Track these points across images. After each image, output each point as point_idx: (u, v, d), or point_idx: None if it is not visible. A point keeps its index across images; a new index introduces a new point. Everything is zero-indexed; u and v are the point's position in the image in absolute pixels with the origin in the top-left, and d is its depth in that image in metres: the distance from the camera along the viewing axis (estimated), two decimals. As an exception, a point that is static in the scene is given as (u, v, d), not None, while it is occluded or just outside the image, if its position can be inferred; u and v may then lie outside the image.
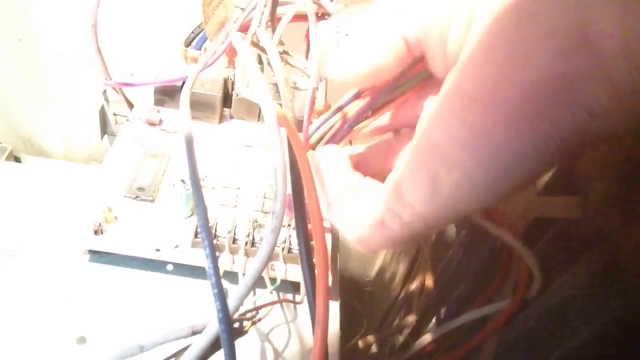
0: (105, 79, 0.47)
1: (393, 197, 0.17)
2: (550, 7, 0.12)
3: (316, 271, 0.19)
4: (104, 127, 0.65)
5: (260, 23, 0.27)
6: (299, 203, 0.20)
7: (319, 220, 0.18)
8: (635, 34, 0.11)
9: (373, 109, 0.22)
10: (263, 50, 0.25)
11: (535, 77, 0.13)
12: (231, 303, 0.17)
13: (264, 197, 0.42)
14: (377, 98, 0.21)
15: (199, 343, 0.16)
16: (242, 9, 0.29)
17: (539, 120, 0.13)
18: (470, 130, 0.15)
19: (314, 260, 0.20)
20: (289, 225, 0.39)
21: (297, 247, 0.37)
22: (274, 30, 0.29)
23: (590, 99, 0.12)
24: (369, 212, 0.18)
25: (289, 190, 0.19)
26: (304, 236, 0.20)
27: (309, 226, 0.20)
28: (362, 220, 0.19)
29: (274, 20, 0.29)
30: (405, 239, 0.18)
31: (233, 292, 0.17)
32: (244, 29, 0.27)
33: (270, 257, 0.17)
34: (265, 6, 0.28)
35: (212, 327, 0.16)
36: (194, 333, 0.22)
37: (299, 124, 0.21)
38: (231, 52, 0.46)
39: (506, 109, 0.14)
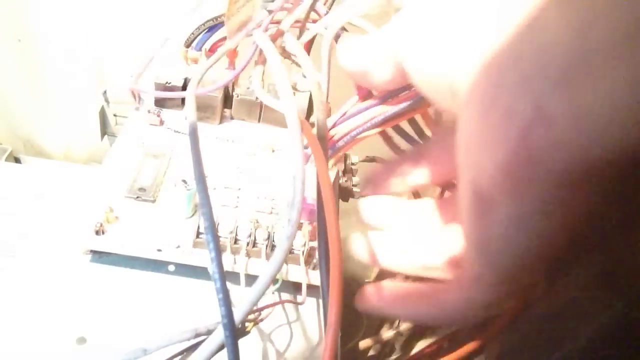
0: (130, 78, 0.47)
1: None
2: (509, 91, 0.13)
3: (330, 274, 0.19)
4: (104, 128, 0.64)
5: (288, 27, 0.27)
6: (322, 209, 0.20)
7: (335, 224, 0.18)
8: (583, 111, 0.12)
9: (383, 121, 0.23)
10: (288, 55, 0.26)
11: (504, 157, 0.13)
12: (241, 308, 0.17)
13: (265, 198, 0.42)
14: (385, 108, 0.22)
15: (205, 349, 0.16)
16: (269, 11, 0.29)
17: (520, 198, 0.14)
18: (465, 226, 0.16)
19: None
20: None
21: (299, 249, 0.38)
22: (301, 34, 0.30)
23: (559, 169, 0.13)
24: None
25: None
26: (325, 241, 0.20)
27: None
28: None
29: (304, 24, 0.29)
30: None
31: (245, 297, 0.17)
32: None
33: (284, 262, 0.17)
34: (290, 14, 0.28)
35: (218, 334, 0.16)
36: (197, 335, 0.22)
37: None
38: (232, 54, 0.46)
39: (485, 195, 0.14)
